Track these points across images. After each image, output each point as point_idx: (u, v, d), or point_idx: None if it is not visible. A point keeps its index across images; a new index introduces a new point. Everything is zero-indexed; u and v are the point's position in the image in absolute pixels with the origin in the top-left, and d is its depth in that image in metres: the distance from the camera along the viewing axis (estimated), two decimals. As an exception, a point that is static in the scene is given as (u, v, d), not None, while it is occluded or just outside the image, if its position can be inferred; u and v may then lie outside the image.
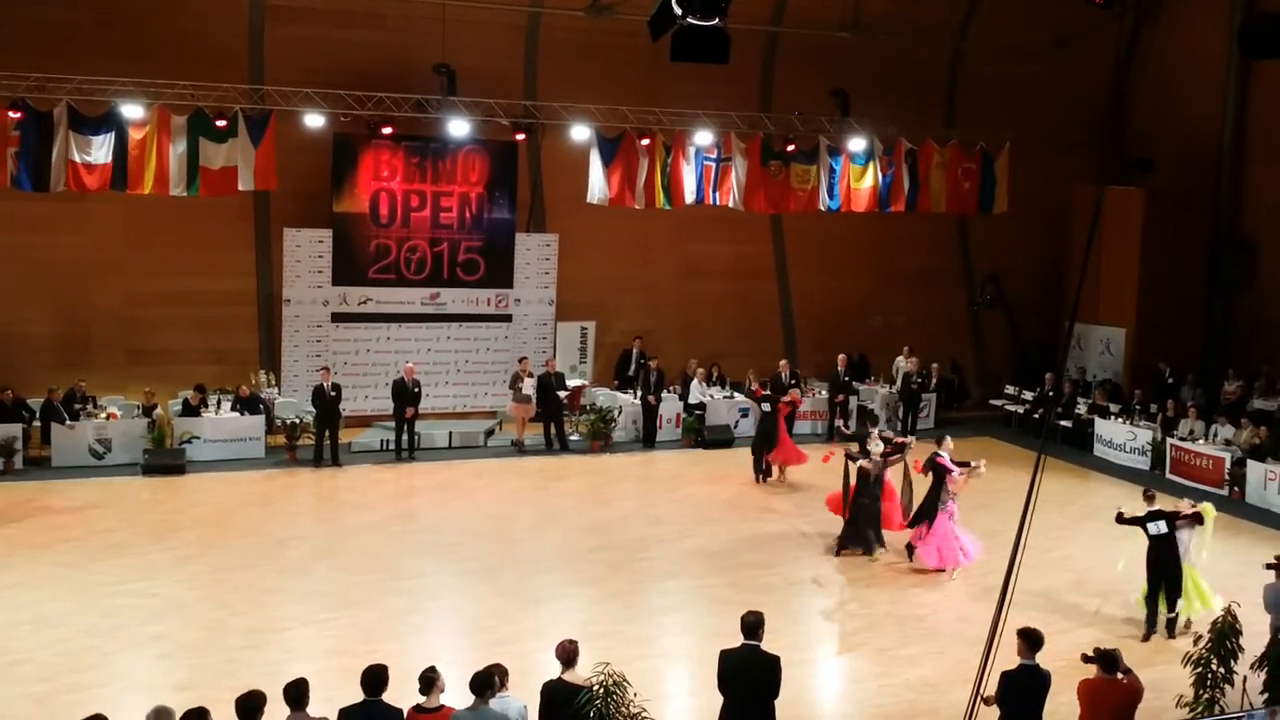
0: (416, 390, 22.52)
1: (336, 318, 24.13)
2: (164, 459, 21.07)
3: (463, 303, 24.94)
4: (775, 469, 21.70)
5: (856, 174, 25.73)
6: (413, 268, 24.45)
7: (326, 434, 21.85)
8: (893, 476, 17.78)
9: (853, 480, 17.40)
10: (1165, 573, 14.48)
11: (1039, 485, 9.70)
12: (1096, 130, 29.46)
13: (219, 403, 22.47)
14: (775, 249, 28.29)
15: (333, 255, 23.93)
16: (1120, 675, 9.72)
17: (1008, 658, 9.76)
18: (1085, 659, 9.90)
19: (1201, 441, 22.62)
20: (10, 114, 20.21)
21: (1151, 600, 14.60)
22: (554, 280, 25.65)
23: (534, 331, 25.61)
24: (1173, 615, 14.51)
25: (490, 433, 24.32)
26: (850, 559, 17.27)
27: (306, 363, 23.83)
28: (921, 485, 17.36)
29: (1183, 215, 27.02)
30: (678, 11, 14.23)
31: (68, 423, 21.10)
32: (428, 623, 14.62)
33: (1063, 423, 25.36)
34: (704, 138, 24.51)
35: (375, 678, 8.93)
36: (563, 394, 23.83)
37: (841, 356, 25.46)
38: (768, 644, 9.74)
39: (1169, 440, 23.04)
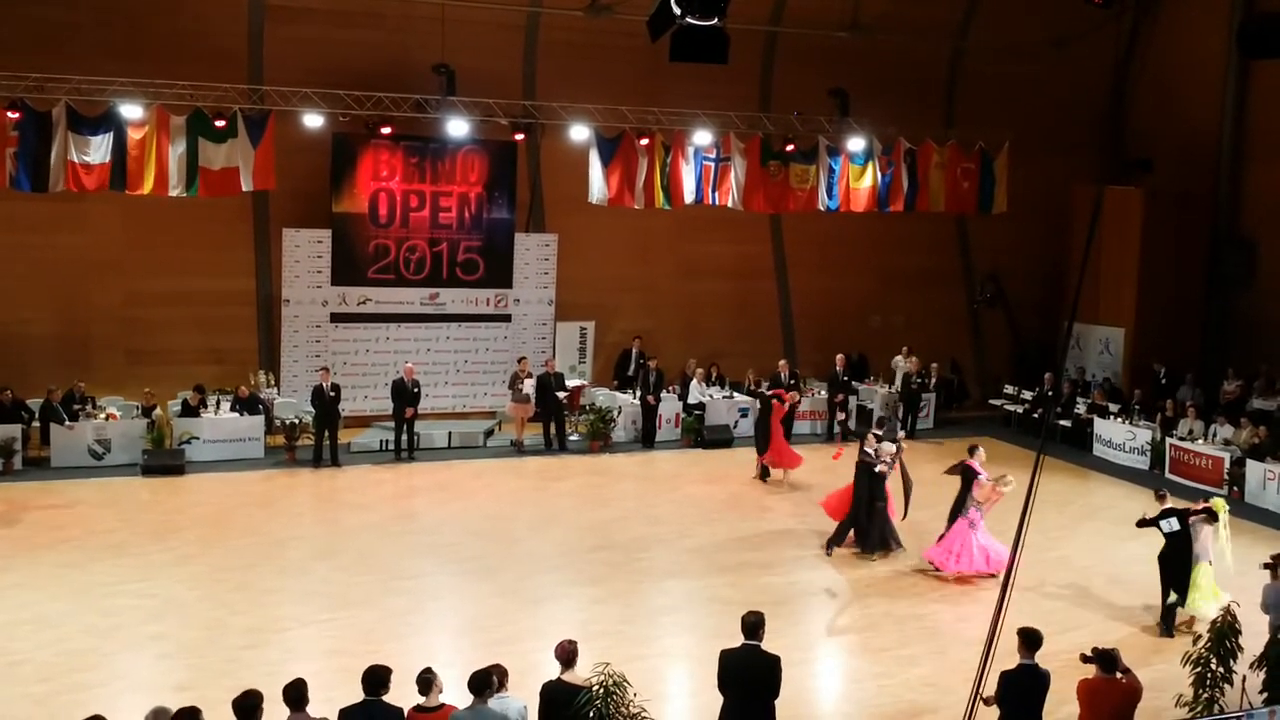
0: (416, 390, 22.52)
1: (336, 318, 24.13)
2: (163, 459, 21.07)
3: (462, 303, 24.94)
4: (770, 470, 21.69)
5: (855, 174, 25.74)
6: (412, 268, 24.45)
7: (326, 434, 21.85)
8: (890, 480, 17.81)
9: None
10: (1176, 568, 14.71)
11: (1038, 485, 9.70)
12: (1096, 130, 29.48)
13: (218, 403, 22.46)
14: (774, 249, 28.30)
15: (332, 255, 23.93)
16: (1119, 675, 9.72)
17: (1007, 657, 9.75)
18: (1084, 659, 9.90)
19: (1201, 441, 22.63)
20: (9, 114, 20.24)
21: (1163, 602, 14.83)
22: (553, 280, 25.65)
23: (533, 331, 25.61)
24: (1173, 603, 14.63)
25: (489, 433, 24.32)
26: (848, 559, 17.26)
27: (306, 363, 23.83)
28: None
29: (1182, 215, 27.03)
30: (677, 11, 14.20)
31: (67, 423, 21.10)
32: (427, 623, 14.61)
33: (1062, 422, 25.38)
34: (703, 138, 24.51)
35: (376, 678, 8.92)
36: (562, 394, 23.81)
37: (840, 356, 25.46)
38: (767, 644, 9.74)
39: (1168, 440, 23.04)
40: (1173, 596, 14.66)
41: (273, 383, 23.86)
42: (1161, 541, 14.95)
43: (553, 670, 9.46)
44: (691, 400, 24.84)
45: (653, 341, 26.03)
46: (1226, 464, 21.58)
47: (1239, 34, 22.57)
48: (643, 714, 9.19)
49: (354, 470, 21.82)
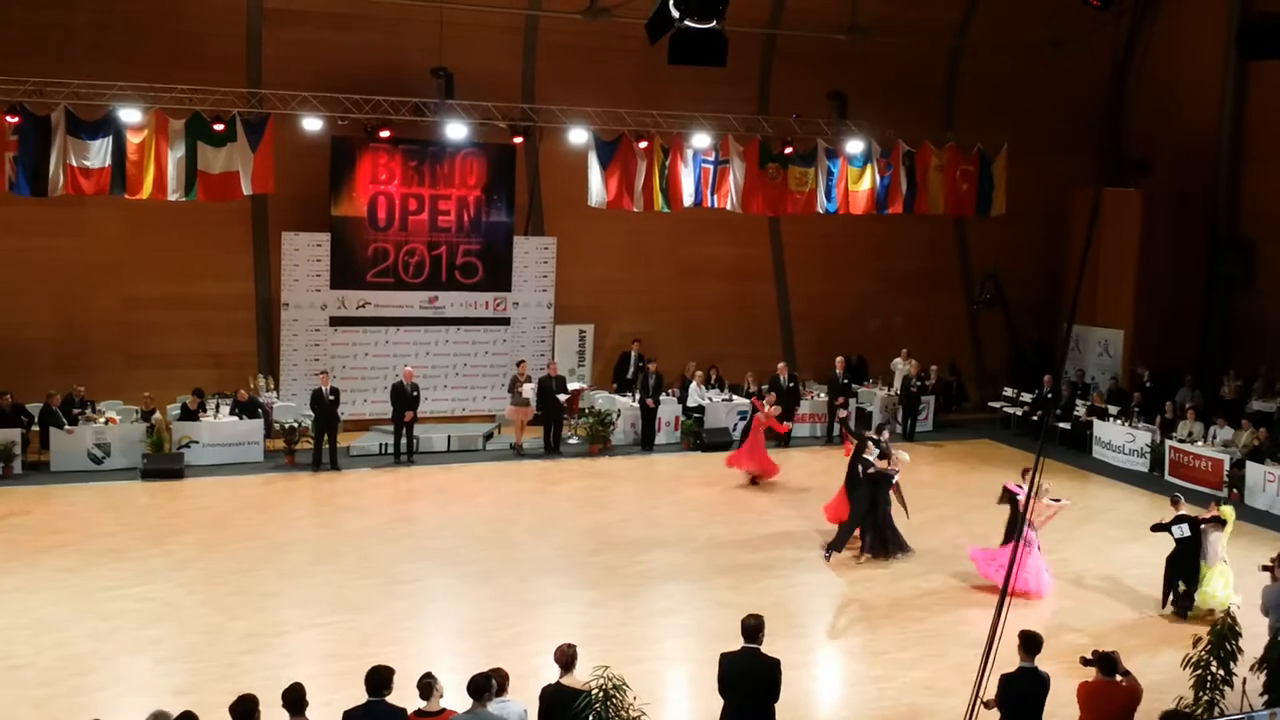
0: (415, 394, 22.50)
1: (335, 321, 24.13)
2: (162, 463, 21.07)
3: (461, 306, 24.94)
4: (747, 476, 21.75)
5: (854, 176, 25.74)
6: (411, 271, 24.45)
7: (325, 438, 21.82)
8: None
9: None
10: (1184, 571, 15.26)
11: (1037, 487, 9.70)
12: (1094, 132, 29.49)
13: (217, 407, 22.45)
14: (773, 251, 28.29)
15: (331, 259, 23.93)
16: (1119, 677, 9.73)
17: (1007, 660, 9.75)
18: (1084, 661, 9.91)
19: (1200, 443, 22.62)
20: (8, 118, 20.25)
21: (1172, 590, 15.44)
22: (552, 283, 25.65)
23: (532, 335, 25.60)
24: (1186, 590, 15.27)
25: (489, 436, 24.31)
26: (848, 562, 17.25)
27: (305, 366, 23.82)
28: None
29: (1180, 216, 27.02)
30: (675, 14, 14.22)
31: (66, 427, 21.07)
32: (427, 626, 14.61)
33: (1061, 425, 25.37)
34: (702, 140, 24.51)
35: (379, 678, 8.94)
36: (562, 397, 23.80)
37: (840, 359, 25.46)
38: (767, 647, 9.74)
39: (1168, 442, 23.03)
40: (1183, 586, 15.24)
41: (272, 386, 23.85)
42: (1170, 545, 15.34)
43: (552, 674, 9.46)
44: (691, 403, 24.84)
45: (652, 344, 26.02)
46: (1226, 466, 21.58)
47: (1237, 35, 22.63)
48: (642, 717, 9.18)
49: (353, 474, 21.80)
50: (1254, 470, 21.12)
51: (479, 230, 24.82)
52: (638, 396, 24.55)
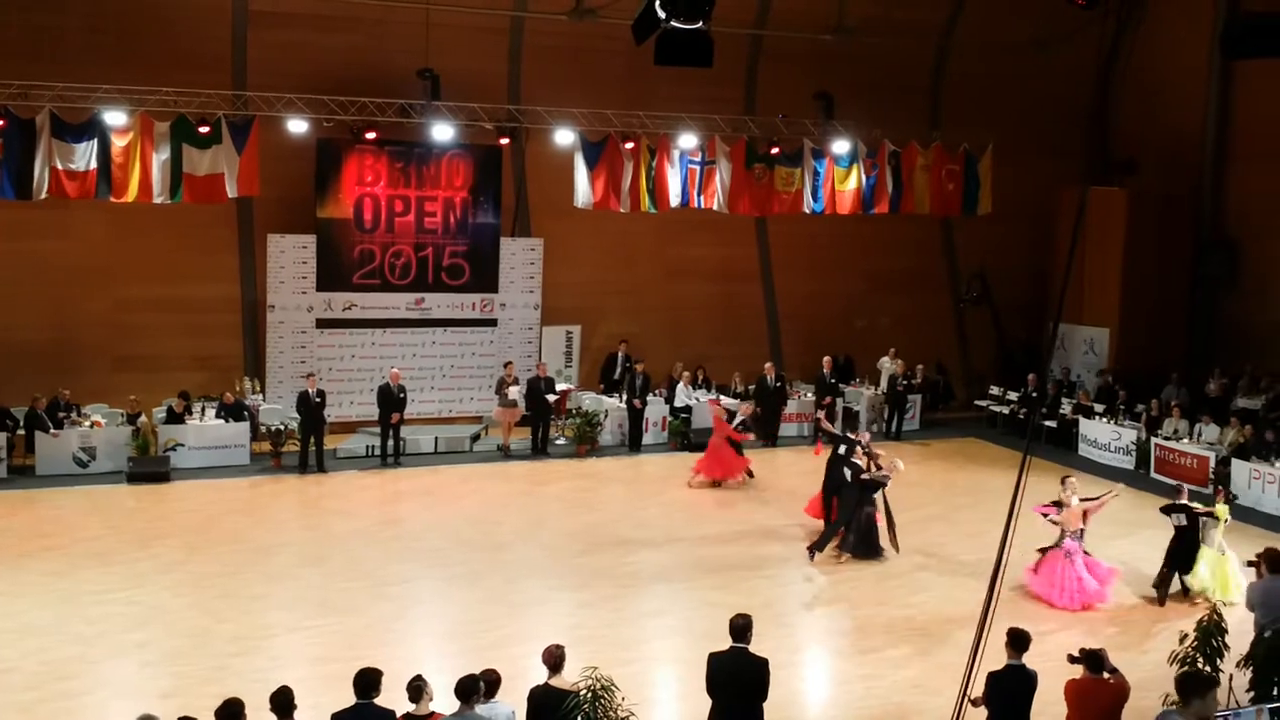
0: (402, 395, 22.47)
1: (321, 323, 24.07)
2: (148, 467, 21.00)
3: (448, 307, 24.91)
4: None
5: (840, 176, 25.77)
6: (397, 273, 24.42)
7: (311, 440, 21.76)
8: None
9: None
10: (1180, 558, 16.06)
11: (1024, 486, 9.70)
12: (1080, 132, 29.57)
13: (203, 410, 22.37)
14: (760, 252, 28.32)
15: (317, 261, 23.87)
16: (1107, 675, 9.74)
17: (995, 658, 9.76)
18: (1072, 659, 9.91)
19: (1186, 441, 22.70)
20: (-8, 121, 20.17)
21: (1165, 582, 16.09)
22: (539, 284, 25.63)
23: (519, 336, 25.59)
24: (1185, 580, 16.15)
25: (476, 437, 24.29)
26: (835, 562, 17.26)
27: (291, 369, 23.76)
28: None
29: (1166, 216, 27.13)
30: (661, 15, 14.24)
31: (52, 431, 20.99)
32: (415, 628, 14.60)
33: (1048, 423, 25.42)
34: (688, 141, 24.52)
35: (367, 680, 8.93)
36: (551, 398, 23.79)
37: (827, 359, 25.52)
38: (756, 646, 9.75)
39: (1153, 440, 23.11)
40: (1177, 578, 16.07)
41: (258, 389, 23.79)
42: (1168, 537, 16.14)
43: (540, 675, 9.45)
44: (678, 403, 24.84)
45: (639, 345, 26.02)
46: (1212, 463, 21.66)
47: (1222, 36, 22.64)
48: (631, 718, 9.16)
49: (340, 476, 21.76)
50: (1239, 467, 21.20)
51: (465, 232, 24.79)
52: (625, 397, 24.55)
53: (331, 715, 8.80)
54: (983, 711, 9.82)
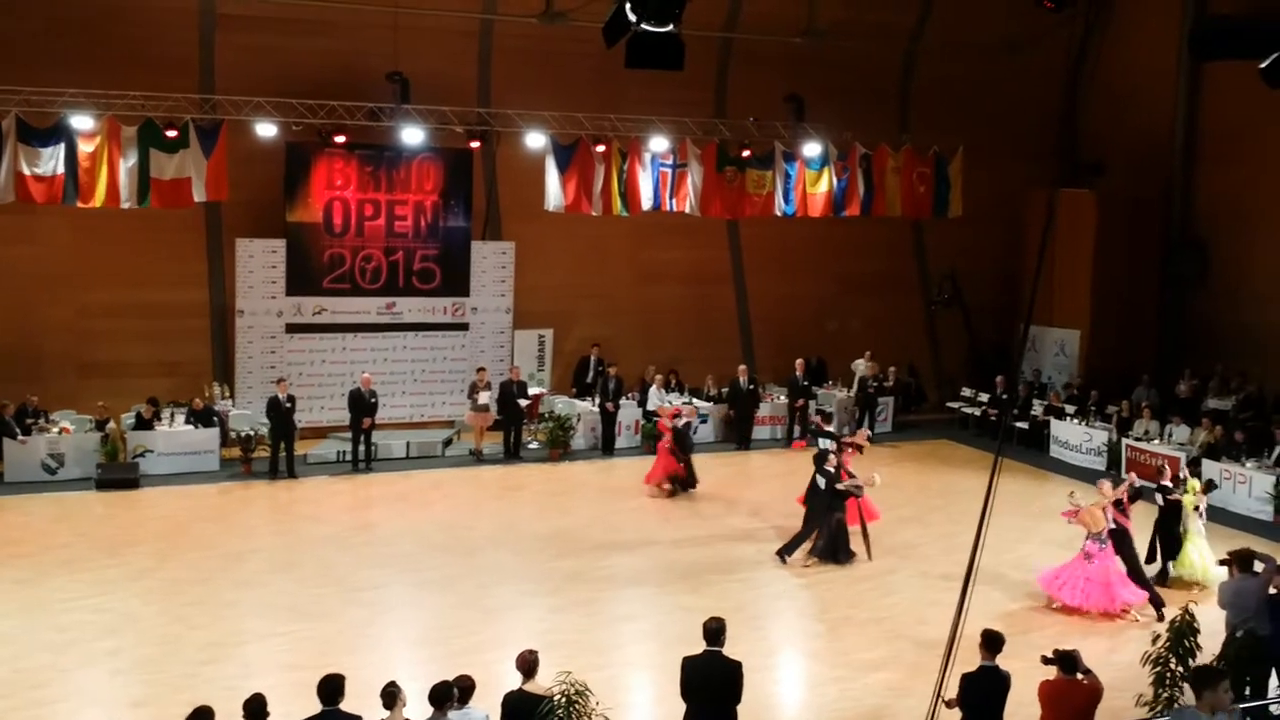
0: (373, 400, 22.37)
1: (291, 328, 23.94)
2: (117, 473, 20.84)
3: (419, 312, 24.82)
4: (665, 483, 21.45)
5: (811, 179, 25.82)
6: (368, 277, 24.32)
7: (282, 446, 21.62)
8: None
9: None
10: (1162, 534, 17.02)
11: (996, 487, 9.73)
12: (1049, 134, 29.72)
13: (172, 416, 22.21)
14: (732, 254, 28.33)
15: (286, 265, 23.75)
16: (1080, 676, 9.79)
17: (968, 660, 9.78)
18: (1045, 660, 9.95)
19: (1156, 441, 22.83)
20: (-43, 126, 19.99)
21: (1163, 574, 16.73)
22: (511, 288, 25.58)
23: (491, 340, 25.52)
24: (1164, 568, 16.81)
25: (448, 442, 24.21)
26: (810, 564, 17.27)
27: (261, 374, 23.61)
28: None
29: (1135, 217, 27.30)
30: (632, 18, 14.22)
31: (19, 437, 20.80)
32: (387, 634, 14.52)
33: (1019, 424, 25.53)
34: (660, 144, 24.51)
35: (332, 687, 8.91)
36: (524, 402, 23.73)
37: (799, 361, 25.58)
38: (729, 650, 9.74)
39: (1124, 440, 23.24)
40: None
41: (227, 394, 23.64)
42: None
43: (514, 681, 9.42)
44: (651, 406, 24.75)
45: (611, 348, 26.00)
46: (1182, 463, 21.75)
47: (1190, 37, 22.82)
48: (604, 723, 9.17)
49: (311, 482, 21.65)
50: (1210, 468, 21.29)
51: (436, 235, 24.72)
52: (598, 401, 24.53)
53: (298, 723, 8.77)
54: (957, 713, 9.84)
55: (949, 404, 28.17)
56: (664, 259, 27.31)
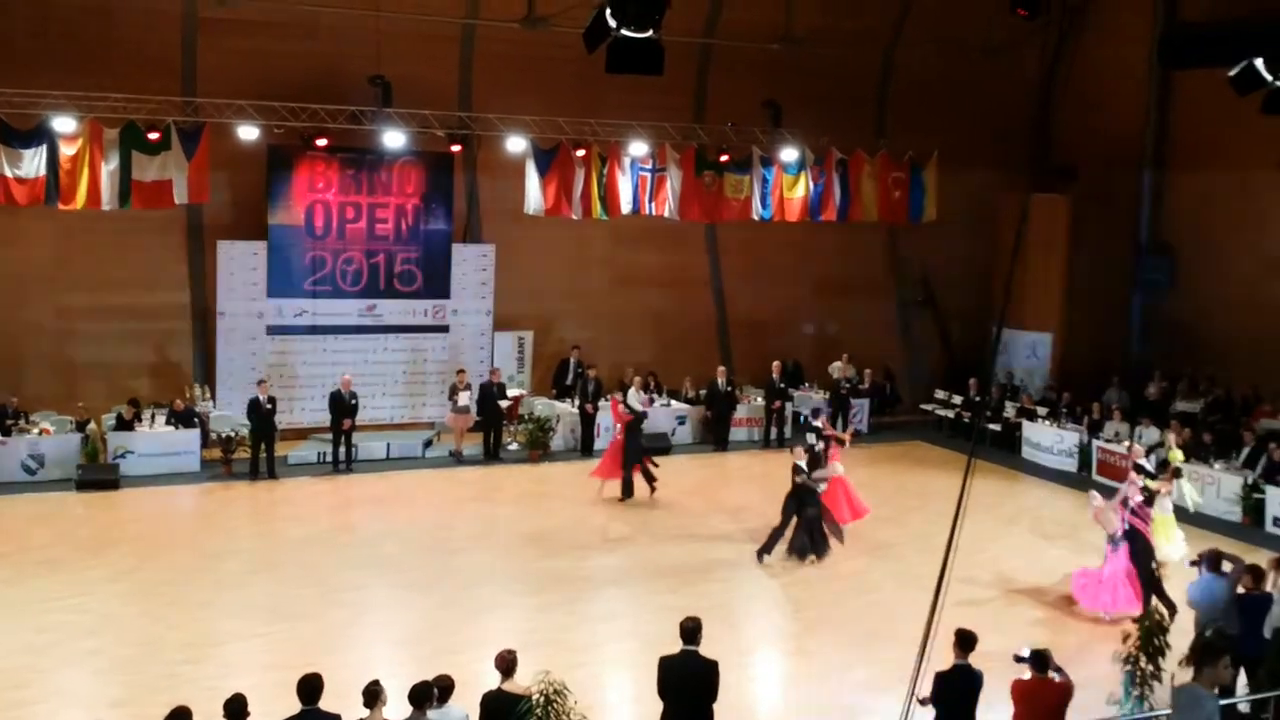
0: (354, 402, 22.45)
1: (272, 330, 24.00)
2: (98, 474, 20.85)
3: (399, 314, 24.90)
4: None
5: (789, 184, 26.01)
6: (349, 279, 24.40)
7: (262, 447, 21.68)
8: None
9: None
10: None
11: (969, 488, 9.88)
12: (1023, 140, 29.94)
13: (153, 417, 22.24)
14: (710, 258, 28.48)
15: (267, 267, 23.81)
16: (1052, 674, 9.91)
17: (942, 658, 9.94)
18: (1018, 659, 10.07)
19: (1127, 443, 23.03)
20: (-61, 127, 20.00)
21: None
22: (491, 291, 25.68)
23: (471, 342, 25.61)
24: None
25: (428, 444, 24.28)
26: (787, 564, 17.41)
27: (242, 376, 23.65)
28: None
29: (1106, 222, 27.55)
30: (612, 23, 14.38)
31: (-1, 438, 20.87)
32: (367, 635, 14.62)
33: (992, 426, 25.76)
34: (639, 148, 24.66)
35: (311, 686, 8.98)
36: (503, 403, 23.83)
37: (776, 364, 25.74)
38: (706, 649, 9.88)
39: (1095, 442, 23.47)
40: None
41: (208, 396, 23.67)
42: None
43: (493, 680, 9.53)
44: (636, 407, 24.87)
45: (591, 351, 26.12)
46: (1152, 466, 21.95)
47: (1160, 46, 23.08)
48: (583, 721, 9.29)
49: (291, 483, 21.71)
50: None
51: (417, 238, 24.81)
52: (577, 402, 24.63)
53: (277, 723, 8.87)
54: (930, 711, 9.99)
55: (923, 406, 28.38)
56: (643, 262, 27.43)
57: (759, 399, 26.18)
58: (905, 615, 14.98)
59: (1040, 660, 9.92)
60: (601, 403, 23.93)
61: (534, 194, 24.23)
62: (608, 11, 14.39)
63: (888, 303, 30.04)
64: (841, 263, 28.80)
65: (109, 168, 21.28)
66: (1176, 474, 16.80)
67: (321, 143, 23.05)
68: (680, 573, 16.94)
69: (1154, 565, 15.45)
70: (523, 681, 9.37)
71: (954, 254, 29.03)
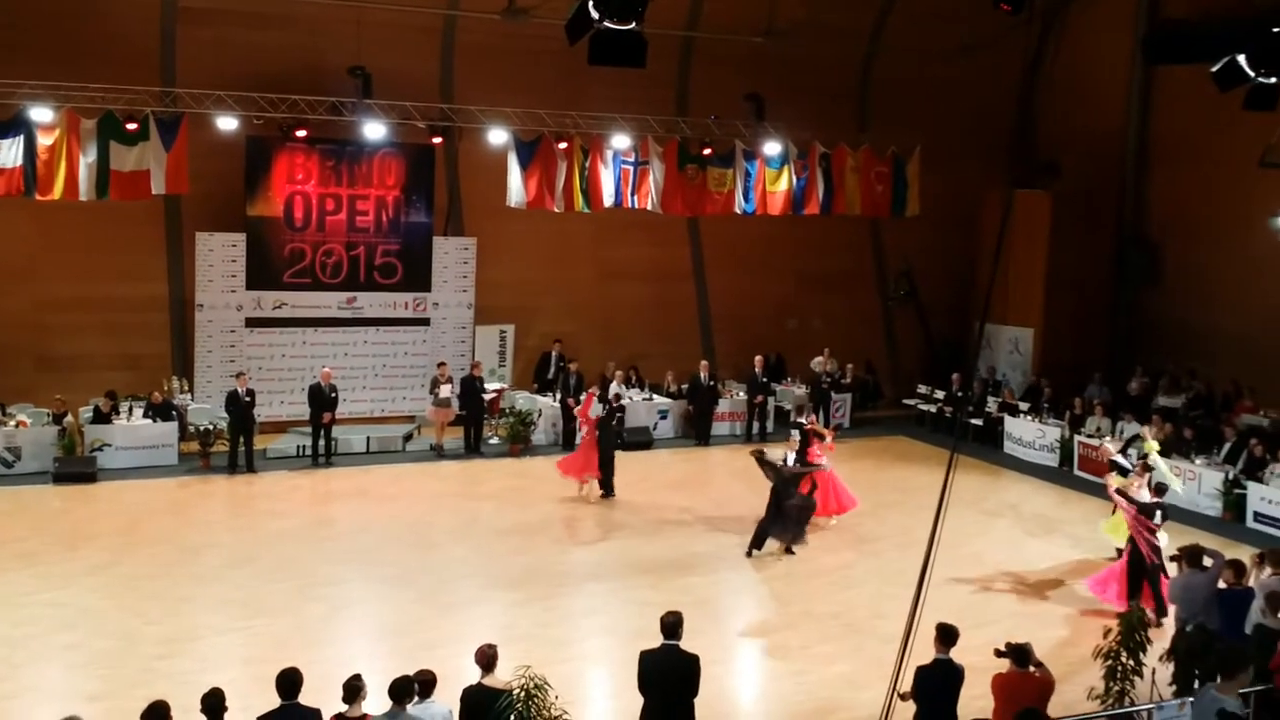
0: (333, 395, 22.35)
1: (251, 322, 23.88)
2: (75, 467, 20.74)
3: (380, 307, 24.81)
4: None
5: (771, 177, 26.00)
6: (328, 272, 24.28)
7: (241, 440, 21.58)
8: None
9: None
10: None
11: (951, 483, 9.87)
12: (1006, 134, 30.00)
13: (131, 410, 22.12)
14: (693, 251, 28.46)
15: (246, 259, 23.70)
16: (1033, 669, 9.92)
17: (924, 653, 9.92)
18: (998, 653, 10.08)
19: (1108, 438, 23.08)
20: (-86, 117, 19.82)
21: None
22: (472, 284, 25.60)
23: (452, 335, 25.53)
24: None
25: (408, 437, 24.21)
26: (768, 559, 17.41)
27: (220, 368, 23.54)
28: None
29: (1088, 217, 27.62)
30: (594, 15, 14.30)
31: (-25, 431, 20.72)
32: (345, 629, 14.53)
33: (974, 421, 25.79)
34: (621, 141, 24.61)
35: (290, 681, 8.91)
36: (485, 397, 23.75)
37: (759, 358, 25.73)
38: (687, 644, 9.84)
39: (1076, 438, 23.51)
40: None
41: (186, 388, 23.57)
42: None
43: (474, 675, 9.48)
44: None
45: (573, 344, 26.07)
46: (1133, 460, 21.99)
47: (1143, 42, 23.16)
48: (564, 716, 9.23)
49: (270, 476, 21.61)
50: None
51: (398, 230, 24.71)
52: (558, 396, 24.58)
53: (258, 718, 8.77)
54: (912, 706, 9.97)
55: (905, 401, 28.41)
56: (625, 256, 27.40)
57: (741, 393, 26.16)
58: (887, 610, 15.01)
59: (1021, 655, 9.92)
60: (583, 396, 23.85)
61: (516, 186, 24.14)
62: (590, 3, 14.31)
63: (870, 297, 30.07)
64: (824, 257, 28.81)
65: (87, 158, 21.15)
66: (1147, 468, 16.69)
67: (301, 134, 22.96)
68: (661, 568, 16.91)
69: (1159, 564, 15.38)
70: (503, 676, 9.32)
71: (936, 249, 29.09)
